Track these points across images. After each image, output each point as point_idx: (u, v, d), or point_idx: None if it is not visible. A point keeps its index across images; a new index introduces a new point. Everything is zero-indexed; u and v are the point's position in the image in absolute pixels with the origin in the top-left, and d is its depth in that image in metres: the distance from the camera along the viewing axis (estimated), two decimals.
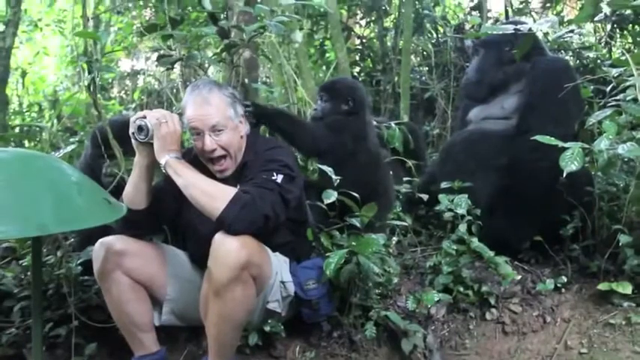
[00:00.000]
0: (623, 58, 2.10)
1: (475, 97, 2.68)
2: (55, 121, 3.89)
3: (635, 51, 3.50)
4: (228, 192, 1.65)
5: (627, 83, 2.18)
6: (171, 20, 2.27)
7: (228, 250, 1.59)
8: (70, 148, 2.53)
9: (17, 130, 4.00)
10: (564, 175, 1.88)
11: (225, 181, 1.77)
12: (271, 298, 1.84)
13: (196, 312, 1.77)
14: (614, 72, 2.32)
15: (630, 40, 4.00)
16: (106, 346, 2.03)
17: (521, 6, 4.52)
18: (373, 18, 4.75)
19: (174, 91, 4.46)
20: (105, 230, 1.83)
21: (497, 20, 4.65)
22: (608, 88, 2.47)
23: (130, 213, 1.74)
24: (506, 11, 4.46)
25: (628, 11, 3.67)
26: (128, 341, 1.86)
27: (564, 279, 2.19)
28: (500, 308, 2.13)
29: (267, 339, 1.95)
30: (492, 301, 2.12)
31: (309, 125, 2.36)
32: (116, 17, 5.73)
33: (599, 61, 3.67)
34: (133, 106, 4.78)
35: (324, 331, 2.02)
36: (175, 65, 3.04)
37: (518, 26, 2.29)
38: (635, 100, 2.07)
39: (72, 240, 2.27)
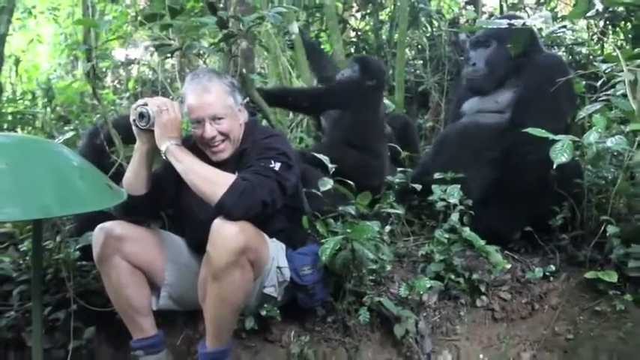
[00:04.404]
0: (615, 54, 2.15)
1: (483, 90, 2.61)
2: (49, 109, 3.89)
3: (627, 47, 3.55)
4: (228, 178, 1.69)
5: (617, 79, 2.23)
6: (171, 9, 2.28)
7: (227, 235, 1.63)
8: (66, 137, 2.54)
9: (10, 117, 3.99)
10: (554, 166, 1.92)
11: (223, 168, 1.80)
12: (268, 283, 1.88)
13: (194, 296, 1.81)
14: (605, 67, 2.36)
15: (622, 36, 4.05)
16: (105, 329, 2.07)
17: (515, 1, 4.55)
18: (369, 11, 4.77)
19: (169, 80, 4.45)
20: (104, 216, 1.87)
21: (491, 15, 4.69)
22: (599, 83, 2.51)
23: (129, 199, 1.78)
24: (501, 6, 4.50)
25: (621, 8, 3.72)
26: (126, 325, 1.89)
27: (553, 268, 2.23)
28: (491, 295, 2.17)
29: (263, 323, 1.99)
30: (483, 288, 2.16)
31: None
32: (110, 6, 5.68)
33: (591, 57, 3.72)
34: (127, 95, 4.77)
35: (319, 316, 2.06)
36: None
37: (513, 21, 2.32)
38: (624, 95, 2.11)
39: (70, 226, 2.29)
